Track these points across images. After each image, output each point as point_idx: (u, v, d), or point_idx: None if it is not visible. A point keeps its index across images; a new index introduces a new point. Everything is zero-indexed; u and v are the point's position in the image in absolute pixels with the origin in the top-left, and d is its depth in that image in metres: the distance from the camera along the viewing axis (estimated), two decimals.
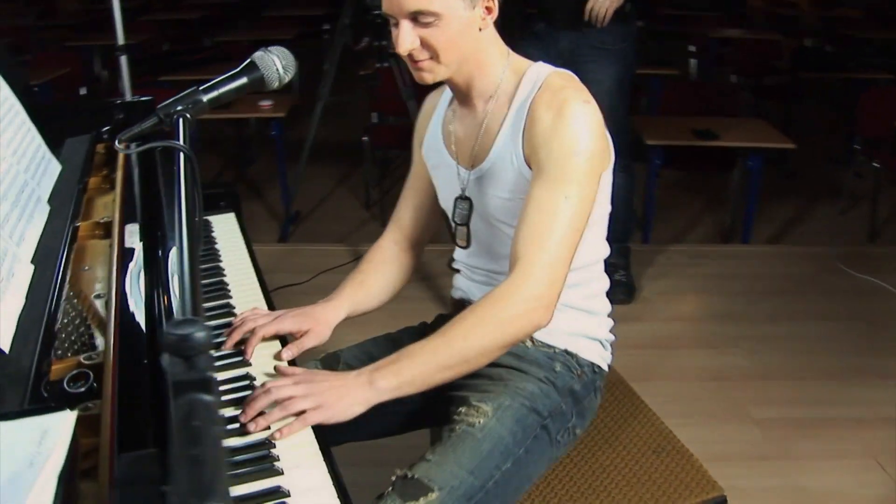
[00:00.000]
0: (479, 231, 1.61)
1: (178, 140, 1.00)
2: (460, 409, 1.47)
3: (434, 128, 1.67)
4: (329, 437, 1.66)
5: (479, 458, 1.38)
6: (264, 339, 1.50)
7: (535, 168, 1.44)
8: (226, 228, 2.01)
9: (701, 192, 5.06)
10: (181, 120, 1.06)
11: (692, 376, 3.04)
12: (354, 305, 1.67)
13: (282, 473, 1.17)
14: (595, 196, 1.44)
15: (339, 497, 1.13)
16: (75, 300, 1.25)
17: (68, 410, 0.79)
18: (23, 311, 1.03)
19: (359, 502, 1.45)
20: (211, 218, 2.06)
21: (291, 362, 1.46)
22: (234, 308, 1.62)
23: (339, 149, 5.54)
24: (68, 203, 1.36)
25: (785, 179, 5.26)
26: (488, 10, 1.44)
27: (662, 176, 4.73)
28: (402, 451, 1.58)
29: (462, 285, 1.72)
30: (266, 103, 4.45)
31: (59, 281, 1.08)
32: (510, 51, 1.54)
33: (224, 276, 1.76)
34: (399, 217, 1.78)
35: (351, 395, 1.31)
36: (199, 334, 0.48)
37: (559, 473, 1.57)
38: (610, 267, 3.53)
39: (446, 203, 1.66)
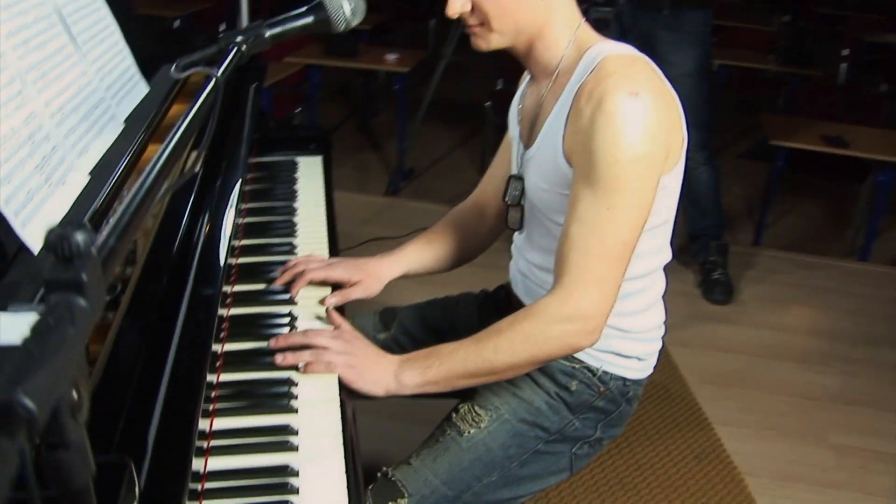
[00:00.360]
0: (528, 215, 1.49)
1: (221, 67, 1.01)
2: (461, 407, 1.46)
3: (516, 98, 1.58)
4: None
5: (457, 469, 1.39)
6: (313, 284, 1.51)
7: (576, 168, 1.28)
8: (310, 170, 2.03)
9: (825, 201, 4.81)
10: (234, 49, 1.07)
11: (775, 389, 2.91)
12: (415, 265, 1.65)
13: (296, 412, 1.19)
14: (649, 203, 1.26)
15: (344, 446, 1.14)
16: None
17: None
18: (65, 217, 1.06)
19: (382, 453, 1.48)
20: (299, 159, 2.08)
21: (339, 310, 1.47)
22: (295, 248, 1.64)
23: (461, 110, 5.53)
24: (143, 123, 1.39)
25: None
26: None
27: (786, 179, 4.53)
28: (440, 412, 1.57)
29: (511, 270, 1.64)
30: (392, 56, 4.48)
31: (109, 192, 1.10)
32: (583, 21, 1.37)
33: (295, 215, 1.79)
34: (485, 182, 1.72)
35: (376, 377, 1.31)
36: (81, 237, 0.48)
37: (590, 464, 1.54)
38: (708, 265, 3.47)
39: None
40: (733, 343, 3.19)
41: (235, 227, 1.64)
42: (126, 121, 1.43)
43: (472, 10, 1.30)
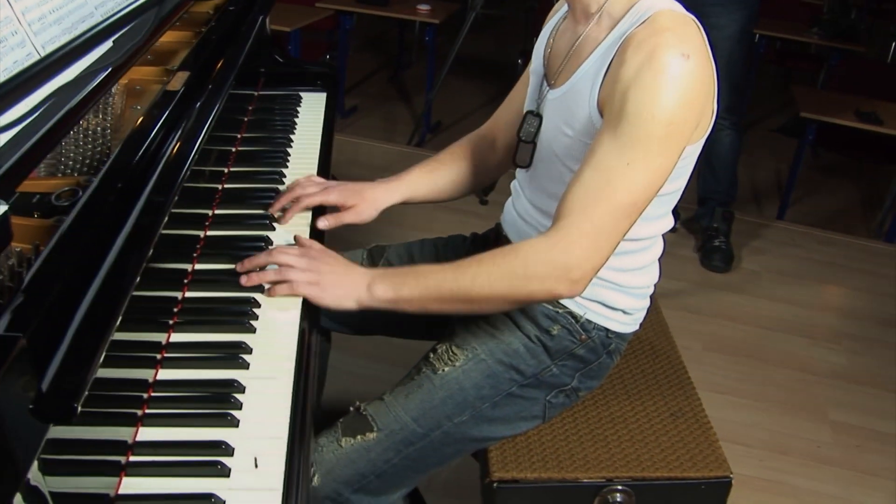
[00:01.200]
0: (538, 155, 1.44)
1: None
2: (439, 347, 1.45)
3: (544, 33, 1.51)
4: (359, 326, 1.69)
5: (428, 406, 1.38)
6: (308, 210, 1.51)
7: (606, 117, 1.22)
8: (314, 106, 2.02)
9: (855, 180, 4.71)
10: None
11: (778, 362, 2.88)
12: (415, 192, 1.62)
13: (254, 331, 1.19)
14: (669, 169, 1.22)
15: (296, 370, 1.14)
16: (107, 130, 1.29)
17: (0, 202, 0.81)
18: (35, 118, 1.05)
19: (362, 393, 1.49)
20: (304, 94, 2.07)
21: (320, 239, 1.46)
22: (284, 177, 1.64)
23: (492, 66, 5.48)
24: (128, 43, 1.37)
25: None
26: None
27: (817, 156, 4.44)
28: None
29: (506, 209, 1.60)
30: (424, 7, 4.44)
31: (78, 103, 1.10)
32: None
33: (290, 146, 1.78)
34: (499, 114, 1.68)
35: (347, 289, 1.29)
36: None
37: (563, 413, 1.52)
38: (711, 231, 3.44)
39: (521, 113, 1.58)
40: (741, 313, 3.15)
41: (225, 153, 1.65)
42: (114, 41, 1.42)
43: None
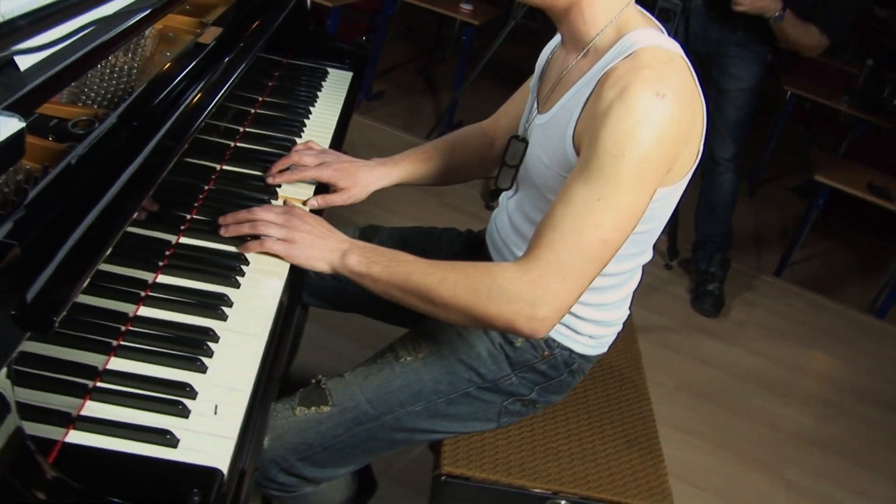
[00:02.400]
0: (520, 179, 1.44)
1: None
2: (407, 335, 1.48)
3: (547, 50, 1.52)
4: (338, 303, 1.72)
5: (384, 390, 1.41)
6: (302, 181, 1.55)
7: (581, 152, 1.21)
8: (338, 83, 2.05)
9: (858, 252, 4.74)
10: None
11: (746, 414, 2.91)
12: (410, 175, 1.64)
13: (238, 287, 1.23)
14: (641, 208, 1.19)
15: (271, 330, 1.18)
16: (134, 69, 1.33)
17: (19, 119, 0.85)
18: (67, 45, 1.09)
19: (331, 368, 1.52)
20: (331, 70, 2.11)
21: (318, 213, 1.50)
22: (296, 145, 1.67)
23: (523, 76, 5.47)
24: None
25: None
26: None
27: (825, 221, 4.47)
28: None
29: (491, 218, 1.60)
30: (467, 6, 4.47)
31: (111, 39, 1.13)
32: (632, 4, 1.28)
33: (308, 117, 1.82)
34: (499, 114, 1.70)
35: (320, 252, 1.31)
36: None
37: (520, 422, 1.56)
38: (706, 275, 3.49)
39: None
40: (719, 359, 3.19)
41: (244, 112, 1.68)
42: None
43: None
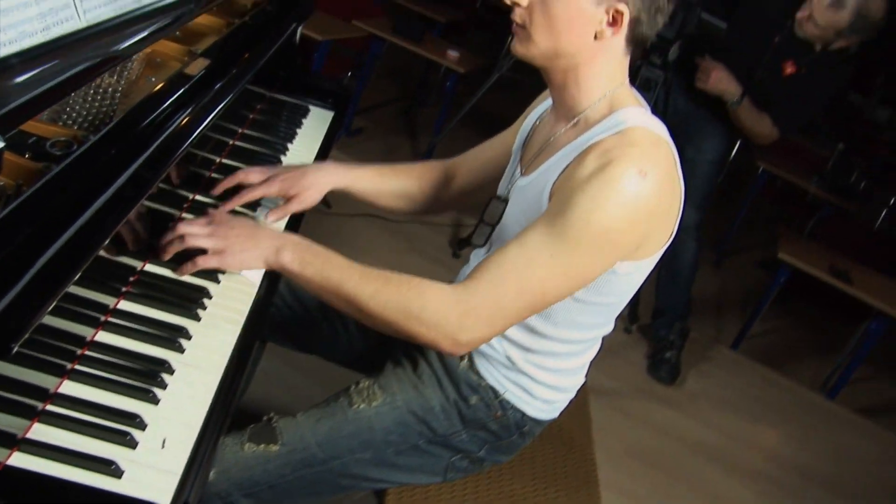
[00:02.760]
0: (495, 237, 1.46)
1: None
2: (361, 382, 1.48)
3: (531, 117, 1.53)
4: (301, 343, 1.72)
5: (334, 435, 1.41)
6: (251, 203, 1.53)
7: (549, 205, 1.25)
8: (318, 122, 2.08)
9: (815, 331, 4.81)
10: None
11: (690, 484, 2.93)
12: (363, 185, 1.63)
13: (198, 320, 1.23)
14: (591, 278, 1.24)
15: (225, 368, 1.18)
16: (117, 92, 1.34)
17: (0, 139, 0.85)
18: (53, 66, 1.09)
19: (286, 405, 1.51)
20: (313, 107, 2.13)
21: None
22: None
23: (503, 127, 5.54)
24: (165, 19, 1.42)
25: None
26: (614, 21, 1.23)
27: (786, 299, 4.53)
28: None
29: (459, 275, 1.58)
30: (453, 54, 4.53)
31: (98, 63, 1.14)
32: (626, 83, 1.33)
33: (285, 154, 1.83)
34: (467, 156, 1.71)
35: (254, 251, 1.31)
36: None
37: (466, 479, 1.56)
38: (664, 343, 3.52)
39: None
40: (670, 427, 3.21)
41: (222, 143, 1.69)
42: (152, 10, 1.47)
43: (528, 7, 1.25)
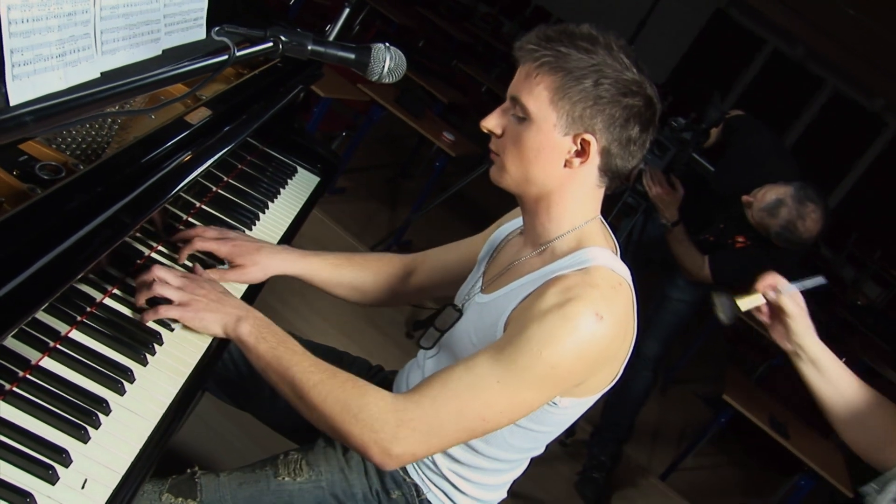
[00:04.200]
0: (443, 343, 1.46)
1: (245, 50, 1.10)
2: (292, 454, 1.48)
3: (504, 229, 1.57)
4: (241, 401, 1.72)
5: (254, 503, 1.41)
6: (202, 253, 1.53)
7: (504, 333, 1.27)
8: (302, 185, 2.11)
9: (746, 476, 4.85)
10: (271, 43, 1.15)
11: None
12: (315, 275, 1.64)
13: (144, 365, 1.23)
14: (533, 407, 1.25)
15: (161, 418, 1.18)
16: (115, 125, 1.37)
17: None
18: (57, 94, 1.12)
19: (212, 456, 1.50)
20: (301, 169, 2.17)
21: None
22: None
23: (482, 217, 5.62)
24: (177, 61, 1.46)
25: None
26: (582, 150, 1.25)
27: (723, 438, 4.58)
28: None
29: (404, 368, 1.62)
30: (448, 136, 4.61)
31: (104, 96, 1.17)
32: (597, 219, 1.35)
33: (264, 212, 1.85)
34: (428, 255, 1.73)
35: (216, 315, 1.32)
36: None
37: None
38: (596, 462, 3.52)
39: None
40: None
41: (206, 188, 1.72)
42: (164, 51, 1.51)
43: (502, 136, 1.29)
